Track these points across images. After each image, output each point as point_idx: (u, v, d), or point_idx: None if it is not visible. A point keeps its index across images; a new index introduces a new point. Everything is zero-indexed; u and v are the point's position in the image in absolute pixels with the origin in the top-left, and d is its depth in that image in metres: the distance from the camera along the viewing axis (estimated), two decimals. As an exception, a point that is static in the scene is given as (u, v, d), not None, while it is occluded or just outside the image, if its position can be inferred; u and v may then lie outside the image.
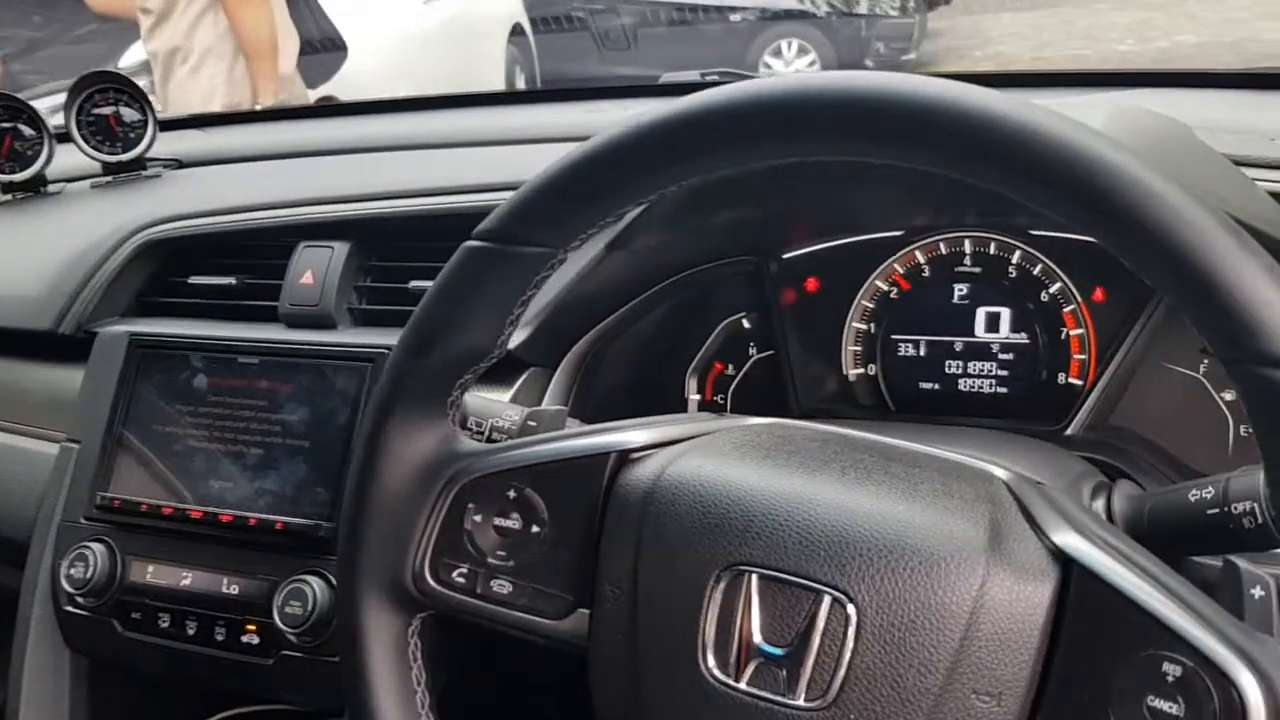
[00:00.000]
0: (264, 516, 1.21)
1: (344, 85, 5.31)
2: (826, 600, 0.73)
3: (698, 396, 1.36)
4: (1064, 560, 0.72)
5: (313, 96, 4.51)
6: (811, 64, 9.05)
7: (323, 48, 5.27)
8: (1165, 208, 0.64)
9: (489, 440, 0.99)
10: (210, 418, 1.28)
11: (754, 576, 0.76)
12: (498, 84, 7.18)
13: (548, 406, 1.03)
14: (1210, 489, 0.79)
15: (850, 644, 0.72)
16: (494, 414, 1.01)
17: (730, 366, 1.35)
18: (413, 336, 0.87)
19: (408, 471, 0.87)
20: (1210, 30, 9.66)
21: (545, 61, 8.06)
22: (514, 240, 0.82)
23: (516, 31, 7.83)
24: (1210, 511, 0.78)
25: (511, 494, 0.86)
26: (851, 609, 0.73)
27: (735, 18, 9.17)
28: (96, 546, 1.27)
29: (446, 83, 6.25)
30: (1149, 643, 0.68)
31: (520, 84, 7.68)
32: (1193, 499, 0.80)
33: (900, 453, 0.86)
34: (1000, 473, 0.84)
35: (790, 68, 9.01)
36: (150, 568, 1.26)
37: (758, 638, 0.75)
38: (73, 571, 1.26)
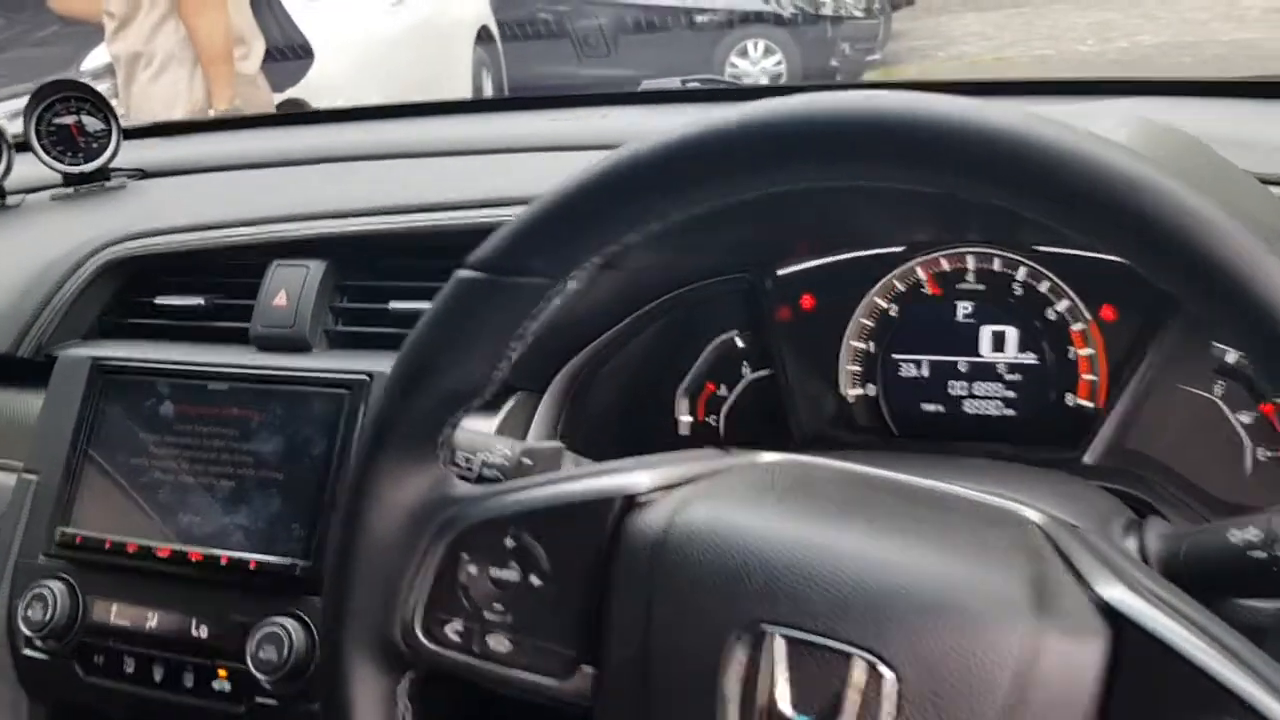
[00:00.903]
0: (236, 555, 1.16)
1: (310, 90, 5.28)
2: (861, 665, 0.68)
3: (689, 418, 1.31)
4: (1114, 617, 0.67)
5: (278, 100, 4.48)
6: (778, 64, 9.16)
7: (288, 53, 5.24)
8: (1219, 235, 0.60)
9: (479, 478, 0.93)
10: (178, 448, 1.22)
11: (779, 637, 0.70)
12: (464, 89, 7.17)
13: (544, 443, 0.98)
14: (1252, 529, 0.75)
15: (888, 713, 0.67)
16: (484, 448, 0.95)
17: (723, 386, 1.30)
18: (402, 373, 0.81)
19: (397, 518, 0.82)
20: (1170, 31, 9.76)
21: (512, 65, 8.06)
22: (511, 271, 0.77)
23: (484, 36, 7.81)
24: (1254, 554, 0.74)
25: (509, 543, 0.80)
26: (889, 674, 0.67)
27: (701, 19, 9.19)
28: (56, 585, 1.21)
29: (414, 87, 6.25)
30: (1209, 706, 0.63)
31: (487, 88, 7.70)
32: (1233, 539, 0.76)
33: (925, 494, 0.81)
34: (1033, 515, 0.79)
35: (756, 68, 9.13)
36: (114, 608, 1.21)
37: (783, 704, 0.69)
38: (30, 613, 1.20)
